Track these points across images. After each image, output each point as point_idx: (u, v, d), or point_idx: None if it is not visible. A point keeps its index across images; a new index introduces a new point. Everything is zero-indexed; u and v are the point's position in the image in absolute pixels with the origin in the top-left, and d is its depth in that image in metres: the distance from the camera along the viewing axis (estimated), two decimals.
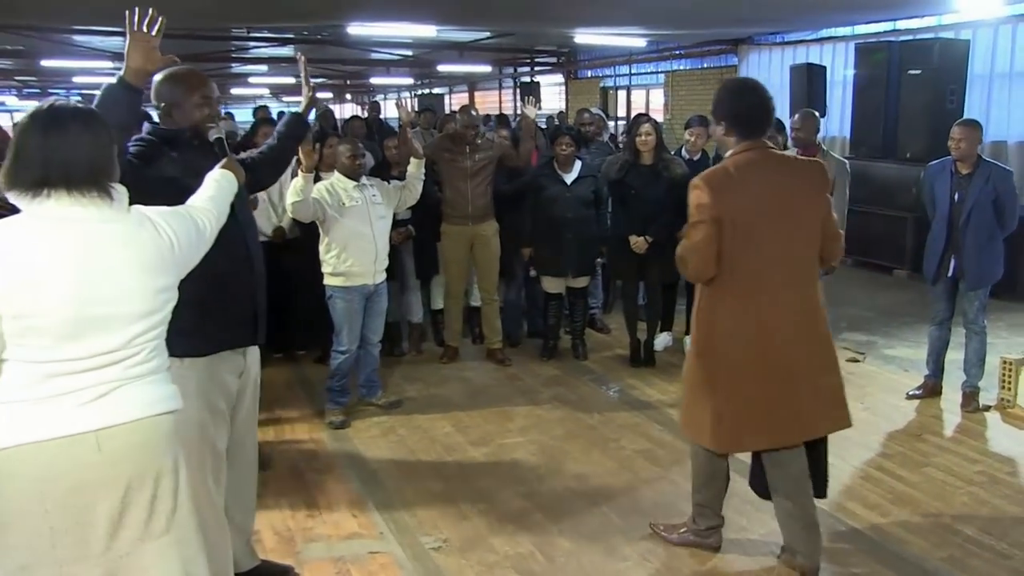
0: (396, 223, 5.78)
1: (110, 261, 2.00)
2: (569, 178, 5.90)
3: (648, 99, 15.05)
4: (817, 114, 5.61)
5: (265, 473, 3.88)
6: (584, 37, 12.12)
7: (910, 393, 5.31)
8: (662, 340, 6.38)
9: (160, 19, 2.54)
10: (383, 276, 5.07)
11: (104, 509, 1.99)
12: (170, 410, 2.15)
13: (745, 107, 3.10)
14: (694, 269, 3.12)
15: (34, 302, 1.89)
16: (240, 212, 2.90)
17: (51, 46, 13.73)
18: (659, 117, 11.81)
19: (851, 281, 8.57)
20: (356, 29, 10.50)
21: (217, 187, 2.57)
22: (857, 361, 6.08)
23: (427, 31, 10.91)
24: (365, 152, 5.11)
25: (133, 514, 2.03)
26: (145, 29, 2.54)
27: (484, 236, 5.94)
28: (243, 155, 3.21)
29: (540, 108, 16.32)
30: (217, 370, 2.94)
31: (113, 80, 2.54)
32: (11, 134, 2.07)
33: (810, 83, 9.28)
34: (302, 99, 3.41)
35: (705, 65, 13.10)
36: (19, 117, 6.36)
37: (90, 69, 15.53)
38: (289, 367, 6.20)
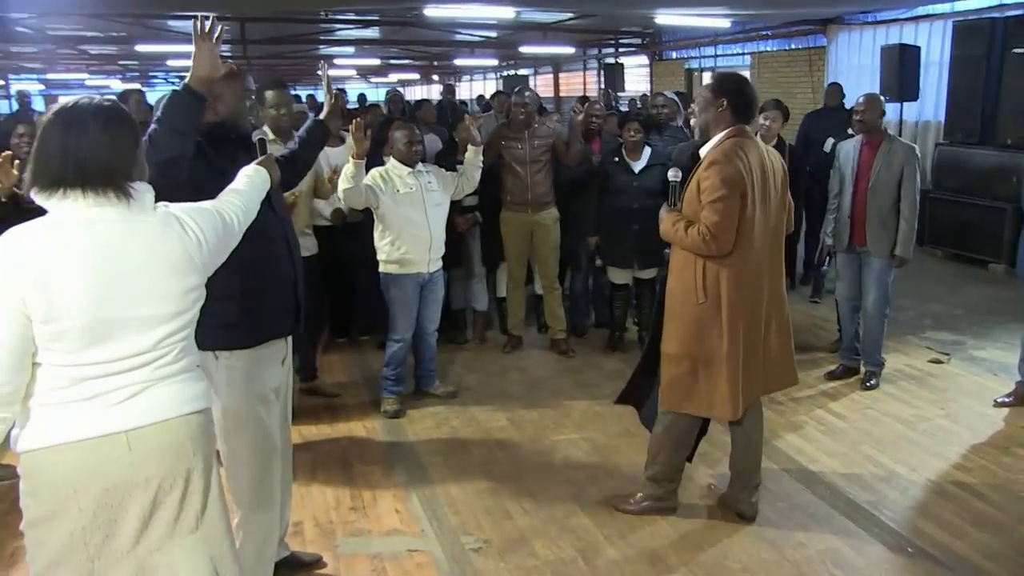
0: (463, 209, 5.72)
1: (133, 263, 1.96)
2: (637, 166, 5.68)
3: None
4: (883, 98, 5.24)
5: None
6: (666, 18, 11.77)
7: (998, 400, 4.94)
8: None
9: (220, 27, 2.57)
10: (438, 264, 4.98)
11: (135, 508, 1.98)
12: (199, 409, 2.13)
13: (749, 96, 3.40)
14: (724, 243, 3.24)
15: (55, 307, 1.86)
16: (277, 207, 2.97)
17: (147, 31, 14.15)
18: None
19: (940, 275, 8.13)
20: (434, 11, 10.42)
21: (248, 182, 2.55)
22: (940, 362, 5.71)
23: (506, 12, 10.76)
24: (422, 139, 5.01)
25: (163, 513, 2.02)
26: (214, 37, 2.57)
27: (544, 224, 5.80)
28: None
29: (624, 90, 16.15)
30: (263, 359, 2.97)
31: (178, 87, 2.58)
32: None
33: (902, 65, 8.75)
34: (325, 106, 3.39)
35: (793, 46, 12.58)
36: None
37: (183, 53, 15.89)
38: (351, 352, 6.18)
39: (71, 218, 1.92)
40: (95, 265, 1.90)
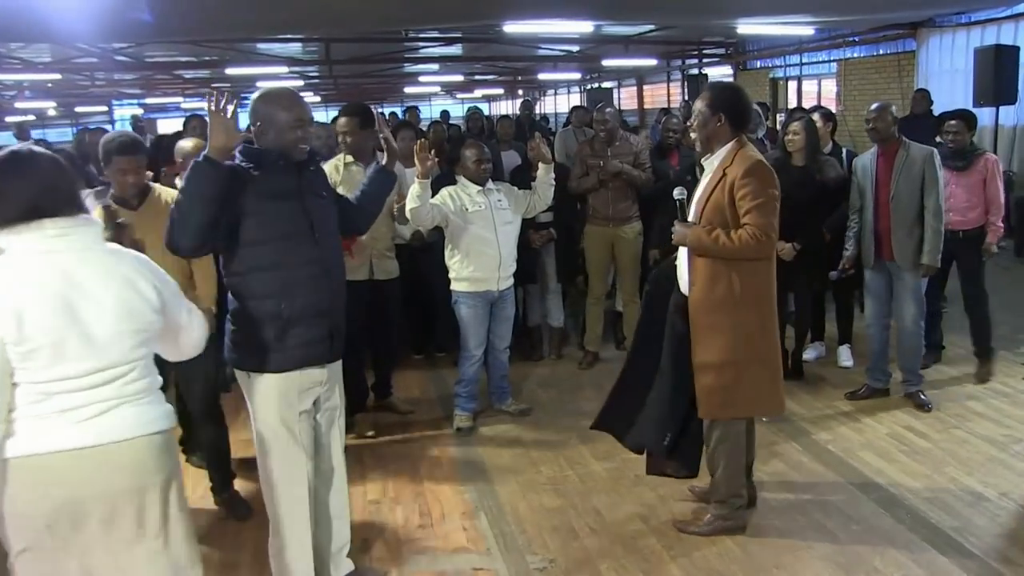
0: (538, 225, 5.74)
1: (88, 286, 2.17)
2: None
3: (820, 90, 14.23)
4: (894, 107, 5.05)
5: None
6: (749, 27, 11.58)
7: None
8: (814, 350, 5.99)
9: (236, 98, 2.77)
10: (509, 282, 5.00)
11: (96, 515, 2.18)
12: (163, 429, 2.32)
13: (743, 108, 3.59)
14: (770, 247, 3.44)
15: (24, 329, 2.07)
16: (321, 237, 3.00)
17: (237, 55, 14.68)
18: (831, 108, 11.08)
19: None
20: (513, 27, 10.48)
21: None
22: None
23: (584, 27, 10.75)
24: (491, 157, 5.04)
25: (122, 522, 2.22)
26: (228, 110, 2.73)
27: (625, 238, 5.86)
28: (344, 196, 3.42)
29: None
30: (296, 385, 3.01)
31: (199, 159, 2.74)
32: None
33: (998, 66, 8.41)
34: (385, 153, 3.44)
35: (881, 52, 12.19)
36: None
37: (270, 75, 16.41)
38: (427, 369, 6.25)
39: (31, 249, 2.14)
40: (56, 289, 2.11)
